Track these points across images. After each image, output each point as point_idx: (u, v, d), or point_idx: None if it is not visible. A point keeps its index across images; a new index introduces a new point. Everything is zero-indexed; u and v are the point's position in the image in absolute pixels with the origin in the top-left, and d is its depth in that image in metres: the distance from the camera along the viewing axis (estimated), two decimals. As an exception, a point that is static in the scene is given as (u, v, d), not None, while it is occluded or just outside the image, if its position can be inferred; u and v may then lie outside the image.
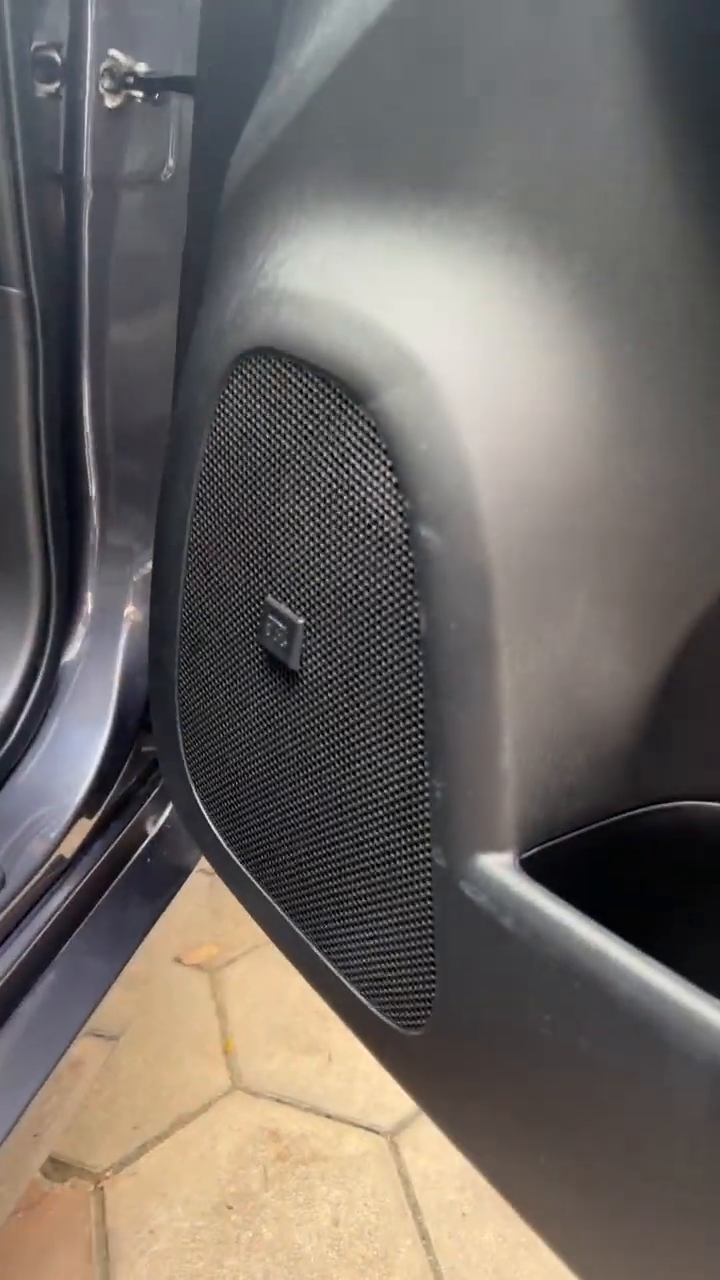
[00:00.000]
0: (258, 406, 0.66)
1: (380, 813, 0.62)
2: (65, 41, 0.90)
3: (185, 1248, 1.34)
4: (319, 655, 0.64)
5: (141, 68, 0.92)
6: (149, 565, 1.16)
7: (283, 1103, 1.58)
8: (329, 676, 0.64)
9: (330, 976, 0.73)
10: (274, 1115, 1.55)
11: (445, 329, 0.54)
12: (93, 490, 1.07)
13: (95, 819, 1.12)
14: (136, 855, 1.20)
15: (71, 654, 1.14)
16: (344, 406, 0.58)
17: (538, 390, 0.52)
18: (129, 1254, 1.32)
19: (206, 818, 0.87)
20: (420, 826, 0.59)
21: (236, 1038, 1.69)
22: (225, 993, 1.77)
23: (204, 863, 1.25)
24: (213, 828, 0.87)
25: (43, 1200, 1.37)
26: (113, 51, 0.91)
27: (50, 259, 0.93)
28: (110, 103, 0.93)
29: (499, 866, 0.55)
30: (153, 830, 1.25)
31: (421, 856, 0.59)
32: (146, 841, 1.23)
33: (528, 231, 0.52)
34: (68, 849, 1.07)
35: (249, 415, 0.67)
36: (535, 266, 0.52)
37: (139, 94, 0.94)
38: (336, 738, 0.65)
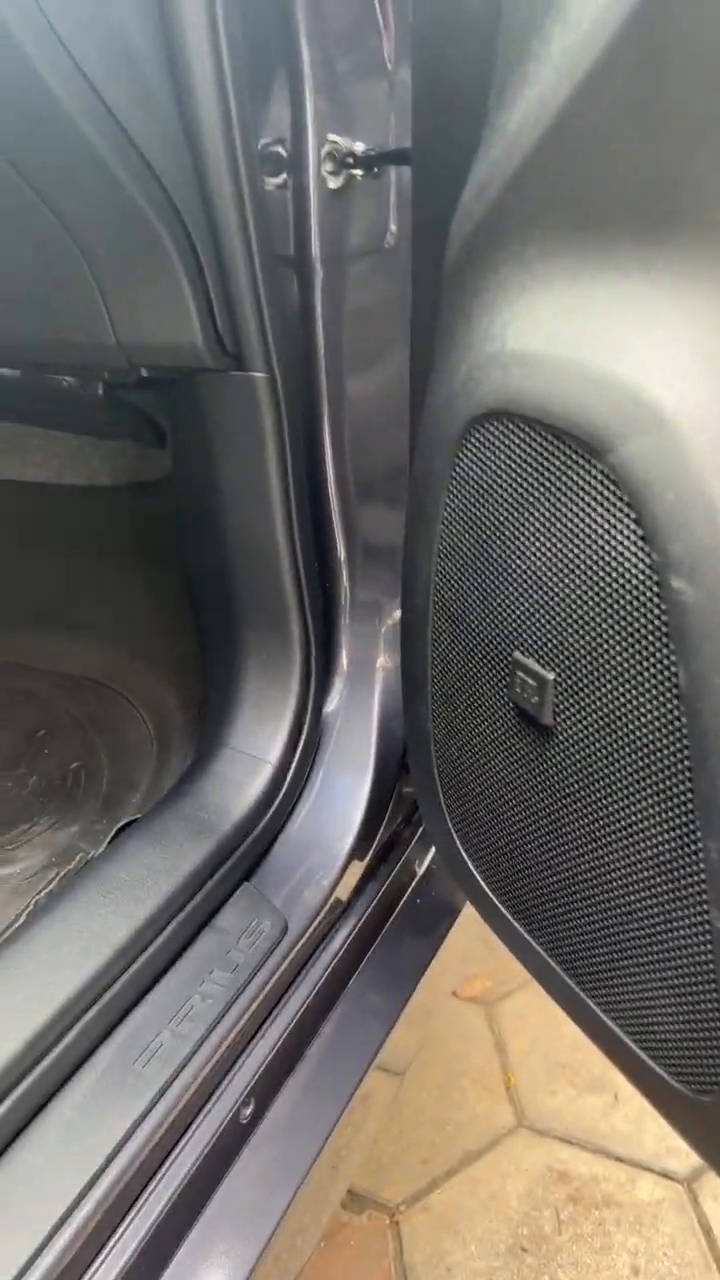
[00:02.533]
0: (494, 469, 0.66)
1: (648, 872, 0.60)
2: (288, 135, 0.96)
3: (482, 1287, 1.35)
4: (572, 711, 0.64)
5: (359, 147, 0.97)
6: (395, 615, 1.20)
7: (570, 1143, 1.54)
8: (584, 732, 0.63)
9: (607, 1031, 0.72)
10: (562, 1155, 1.52)
11: (682, 374, 0.52)
12: (341, 552, 1.13)
13: (365, 862, 1.16)
14: (407, 895, 1.23)
15: (332, 704, 1.19)
16: (582, 462, 0.57)
17: (789, 427, 0.50)
18: (428, 1289, 1.34)
19: (469, 863, 0.88)
20: (695, 887, 0.56)
21: (518, 1073, 1.67)
22: (503, 1027, 1.77)
23: (475, 898, 1.26)
24: (475, 873, 0.87)
25: (342, 1231, 1.42)
26: (332, 136, 0.96)
27: (289, 339, 0.99)
28: (333, 184, 0.98)
29: (786, 931, 0.51)
30: (420, 870, 1.28)
31: (698, 918, 0.57)
32: (415, 881, 1.26)
33: (766, 261, 0.49)
34: (342, 892, 1.11)
35: (486, 477, 0.67)
36: (777, 297, 0.49)
37: (359, 172, 0.98)
38: (595, 794, 0.64)
